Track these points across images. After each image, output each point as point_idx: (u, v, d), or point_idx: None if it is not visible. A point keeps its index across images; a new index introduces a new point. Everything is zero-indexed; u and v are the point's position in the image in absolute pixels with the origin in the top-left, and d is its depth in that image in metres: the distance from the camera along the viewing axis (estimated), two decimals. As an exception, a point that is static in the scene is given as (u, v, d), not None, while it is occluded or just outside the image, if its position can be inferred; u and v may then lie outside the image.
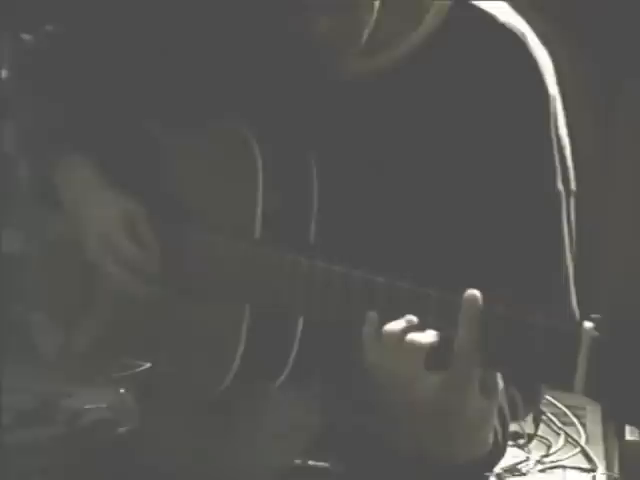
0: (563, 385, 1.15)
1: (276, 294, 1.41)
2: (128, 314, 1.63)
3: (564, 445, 1.97)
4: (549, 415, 2.05)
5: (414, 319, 1.24)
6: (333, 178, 1.47)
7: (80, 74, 1.68)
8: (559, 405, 2.07)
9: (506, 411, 1.38)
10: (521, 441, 1.92)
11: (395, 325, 1.25)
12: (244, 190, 1.47)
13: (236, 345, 1.44)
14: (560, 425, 2.04)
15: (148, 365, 1.55)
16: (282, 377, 1.45)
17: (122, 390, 1.58)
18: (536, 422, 1.99)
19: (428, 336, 1.23)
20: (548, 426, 2.04)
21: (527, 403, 1.45)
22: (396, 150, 1.49)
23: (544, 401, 1.99)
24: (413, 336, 1.23)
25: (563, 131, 1.53)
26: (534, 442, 1.96)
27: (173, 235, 1.57)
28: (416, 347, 1.22)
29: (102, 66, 1.67)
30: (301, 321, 1.44)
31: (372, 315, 1.28)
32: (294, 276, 1.38)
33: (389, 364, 1.24)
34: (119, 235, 1.56)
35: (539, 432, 1.99)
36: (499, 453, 1.36)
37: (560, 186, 1.50)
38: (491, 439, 1.31)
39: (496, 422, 1.32)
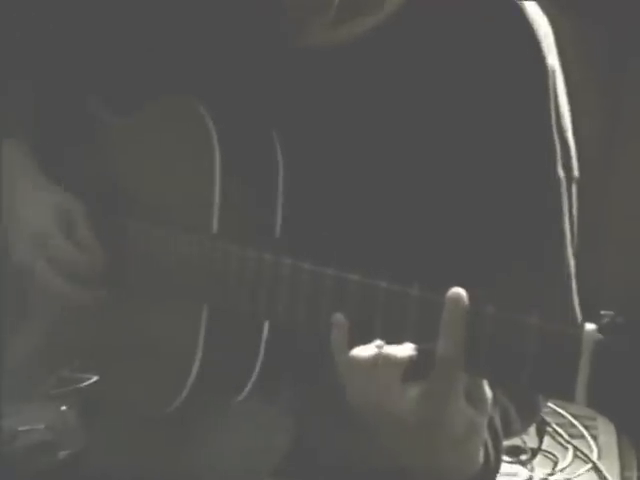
0: (563, 395, 1.07)
1: (237, 294, 1.34)
2: (68, 322, 1.54)
3: (573, 461, 1.94)
4: (555, 426, 2.01)
5: (383, 344, 1.17)
6: (300, 160, 1.39)
7: (9, 44, 1.58)
8: (565, 415, 2.03)
9: (498, 423, 1.30)
10: (523, 457, 1.88)
11: (363, 352, 1.17)
12: (199, 174, 1.38)
13: (193, 354, 1.36)
14: (568, 438, 2.00)
15: (94, 379, 1.47)
16: (246, 389, 1.38)
17: (63, 407, 1.48)
18: (540, 434, 1.94)
19: (405, 350, 1.15)
20: (554, 439, 2.00)
21: (523, 416, 1.37)
22: (372, 130, 1.40)
23: (547, 410, 1.95)
24: (388, 351, 1.15)
25: (564, 109, 1.43)
26: (538, 457, 1.93)
27: (118, 229, 1.48)
28: (392, 363, 1.15)
29: (37, 36, 1.57)
30: (267, 325, 1.37)
31: (339, 317, 1.20)
32: (257, 274, 1.31)
33: (360, 383, 1.16)
34: (55, 235, 1.47)
35: (544, 446, 1.95)
36: (492, 471, 1.27)
37: (561, 172, 1.42)
38: (482, 455, 1.22)
39: (486, 435, 1.24)
